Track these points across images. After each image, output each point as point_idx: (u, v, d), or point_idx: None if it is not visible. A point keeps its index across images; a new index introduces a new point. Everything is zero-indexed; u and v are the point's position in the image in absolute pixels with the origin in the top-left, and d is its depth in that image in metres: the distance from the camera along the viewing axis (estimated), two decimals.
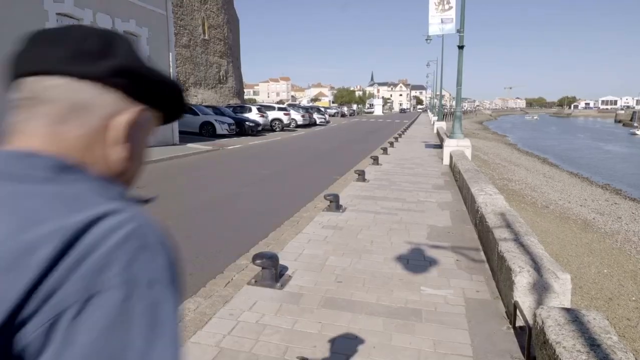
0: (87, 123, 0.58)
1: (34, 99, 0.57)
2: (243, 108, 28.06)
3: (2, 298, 0.44)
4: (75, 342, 0.45)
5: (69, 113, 0.57)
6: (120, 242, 0.50)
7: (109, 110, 0.59)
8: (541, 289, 3.20)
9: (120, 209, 0.53)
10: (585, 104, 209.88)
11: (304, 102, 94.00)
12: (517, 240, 4.02)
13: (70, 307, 0.46)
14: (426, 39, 27.67)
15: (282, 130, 28.59)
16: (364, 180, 9.64)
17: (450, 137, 13.54)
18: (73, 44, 0.58)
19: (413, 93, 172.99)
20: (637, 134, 55.77)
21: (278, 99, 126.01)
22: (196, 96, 34.79)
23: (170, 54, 17.56)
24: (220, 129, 21.52)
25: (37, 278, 0.45)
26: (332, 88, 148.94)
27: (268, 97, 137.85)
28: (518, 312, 3.19)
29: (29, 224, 0.48)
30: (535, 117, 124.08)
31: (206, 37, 36.64)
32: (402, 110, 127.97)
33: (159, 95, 0.64)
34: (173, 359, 0.50)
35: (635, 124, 69.27)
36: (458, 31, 13.42)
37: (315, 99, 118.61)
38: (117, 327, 0.47)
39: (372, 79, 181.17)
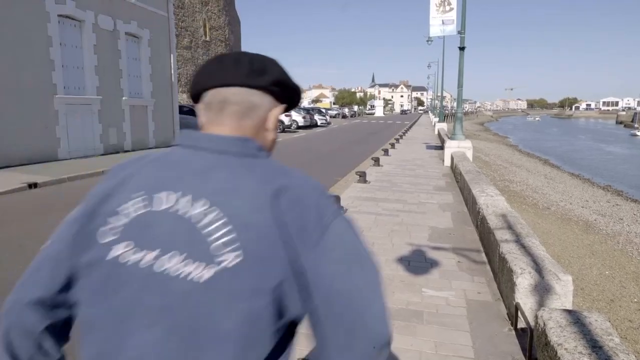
0: (257, 117, 0.88)
1: (225, 102, 0.86)
2: None
3: (268, 224, 0.74)
4: (333, 249, 0.78)
5: (247, 111, 0.87)
6: (316, 192, 0.82)
7: (268, 107, 0.90)
8: (543, 290, 3.20)
9: (296, 173, 0.85)
10: (587, 105, 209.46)
11: (305, 104, 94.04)
12: (519, 241, 4.01)
13: (315, 234, 0.77)
14: (427, 40, 27.67)
15: (283, 131, 28.61)
16: (365, 181, 9.64)
17: (451, 138, 13.54)
18: (247, 66, 0.87)
19: (414, 94, 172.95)
20: (637, 135, 55.84)
21: None
22: None
23: (172, 55, 17.59)
24: None
25: (282, 213, 0.76)
26: (333, 89, 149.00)
27: None
28: (519, 314, 3.19)
29: (265, 181, 0.79)
30: (537, 119, 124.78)
31: (207, 39, 36.70)
32: (403, 112, 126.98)
33: (291, 97, 0.95)
34: (367, 246, 0.86)
35: (636, 125, 69.19)
36: (459, 32, 13.43)
37: (316, 100, 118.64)
38: (346, 236, 0.82)
39: (373, 80, 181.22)
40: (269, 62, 0.91)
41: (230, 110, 0.86)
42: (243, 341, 0.73)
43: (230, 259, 0.72)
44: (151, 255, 0.75)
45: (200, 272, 0.72)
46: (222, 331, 0.72)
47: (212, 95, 0.87)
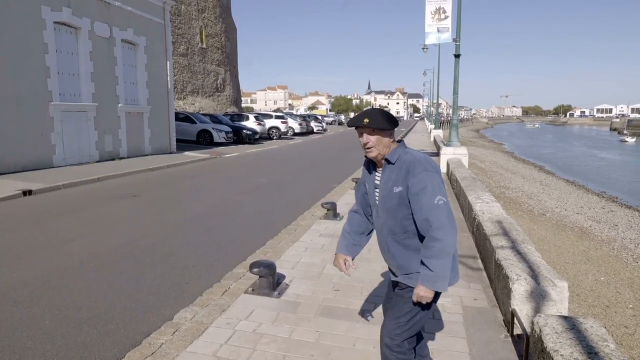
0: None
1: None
2: (240, 116, 28.11)
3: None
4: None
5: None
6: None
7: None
8: (538, 296, 3.20)
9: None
10: (581, 112, 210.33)
11: (302, 111, 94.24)
12: (514, 248, 4.03)
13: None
14: (423, 48, 27.86)
15: (279, 138, 28.63)
16: None
17: (447, 145, 13.59)
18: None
19: (410, 101, 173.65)
20: (626, 141, 57.77)
21: (275, 107, 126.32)
22: (193, 104, 34.84)
23: (168, 62, 17.61)
24: (218, 137, 21.53)
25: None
26: (329, 96, 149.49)
27: (265, 105, 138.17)
28: (516, 320, 3.19)
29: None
30: (537, 125, 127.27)
31: (204, 46, 36.78)
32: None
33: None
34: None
35: (625, 132, 70.84)
36: (454, 40, 13.52)
37: (312, 107, 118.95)
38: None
39: (369, 88, 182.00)
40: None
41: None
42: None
43: None
44: None
45: None
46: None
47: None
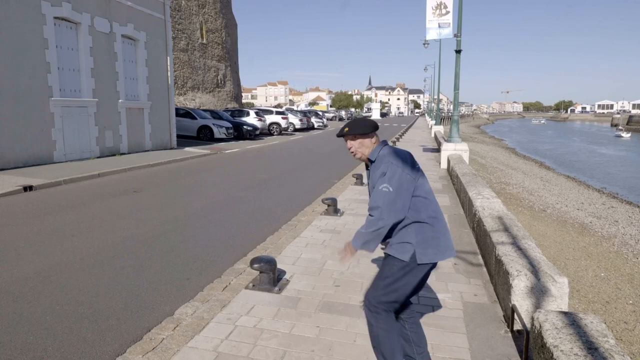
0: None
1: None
2: (241, 112, 28.08)
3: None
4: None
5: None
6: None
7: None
8: (539, 292, 3.21)
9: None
10: (582, 108, 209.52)
11: (302, 106, 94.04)
12: (515, 244, 4.03)
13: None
14: (424, 44, 27.78)
15: (280, 134, 28.60)
16: (362, 183, 9.65)
17: (447, 141, 13.57)
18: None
19: (411, 97, 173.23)
20: (622, 136, 60.67)
21: (276, 103, 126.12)
22: (194, 100, 34.78)
23: (168, 57, 17.57)
24: (218, 132, 21.51)
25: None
26: (330, 92, 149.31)
27: (266, 101, 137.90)
28: (516, 316, 3.20)
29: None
30: (543, 122, 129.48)
31: (204, 41, 36.67)
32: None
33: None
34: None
35: (620, 127, 73.82)
36: (455, 35, 13.47)
37: (313, 103, 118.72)
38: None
39: (369, 83, 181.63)
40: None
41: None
42: None
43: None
44: (423, 180, 2.53)
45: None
46: None
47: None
